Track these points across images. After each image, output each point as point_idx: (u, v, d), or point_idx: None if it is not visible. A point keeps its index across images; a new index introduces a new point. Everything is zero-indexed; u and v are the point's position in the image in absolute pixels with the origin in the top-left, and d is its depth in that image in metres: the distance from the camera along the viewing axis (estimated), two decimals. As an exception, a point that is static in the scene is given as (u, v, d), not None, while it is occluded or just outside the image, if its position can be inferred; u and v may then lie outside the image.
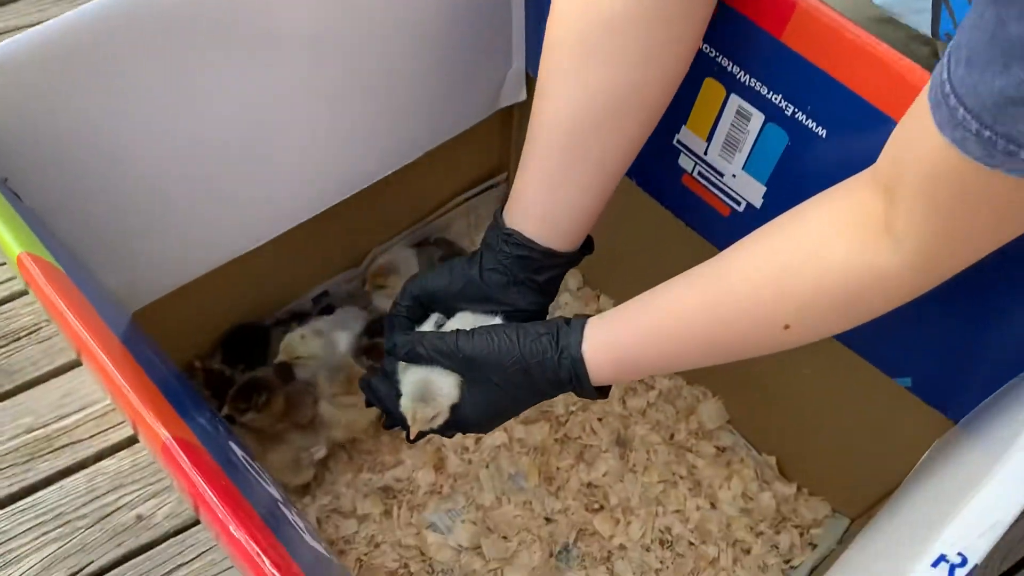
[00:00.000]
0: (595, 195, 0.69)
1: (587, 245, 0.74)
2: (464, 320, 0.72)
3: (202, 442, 0.49)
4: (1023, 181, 0.40)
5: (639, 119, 0.65)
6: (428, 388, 0.70)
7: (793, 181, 0.71)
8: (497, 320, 0.71)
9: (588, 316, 0.66)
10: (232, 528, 0.42)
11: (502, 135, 1.04)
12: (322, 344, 0.95)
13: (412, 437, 0.73)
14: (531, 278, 0.70)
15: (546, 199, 0.68)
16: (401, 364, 0.72)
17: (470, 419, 0.71)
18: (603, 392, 0.67)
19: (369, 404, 0.78)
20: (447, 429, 0.73)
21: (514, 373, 0.66)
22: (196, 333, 0.94)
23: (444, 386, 0.70)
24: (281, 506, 0.58)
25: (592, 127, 0.64)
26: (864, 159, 0.64)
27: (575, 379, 0.64)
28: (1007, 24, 0.35)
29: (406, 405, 0.71)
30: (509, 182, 1.13)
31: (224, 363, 0.96)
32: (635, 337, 0.63)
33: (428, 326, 0.74)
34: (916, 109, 0.46)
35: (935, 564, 0.43)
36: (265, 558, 0.41)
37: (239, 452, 0.60)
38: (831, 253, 0.52)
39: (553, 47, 0.64)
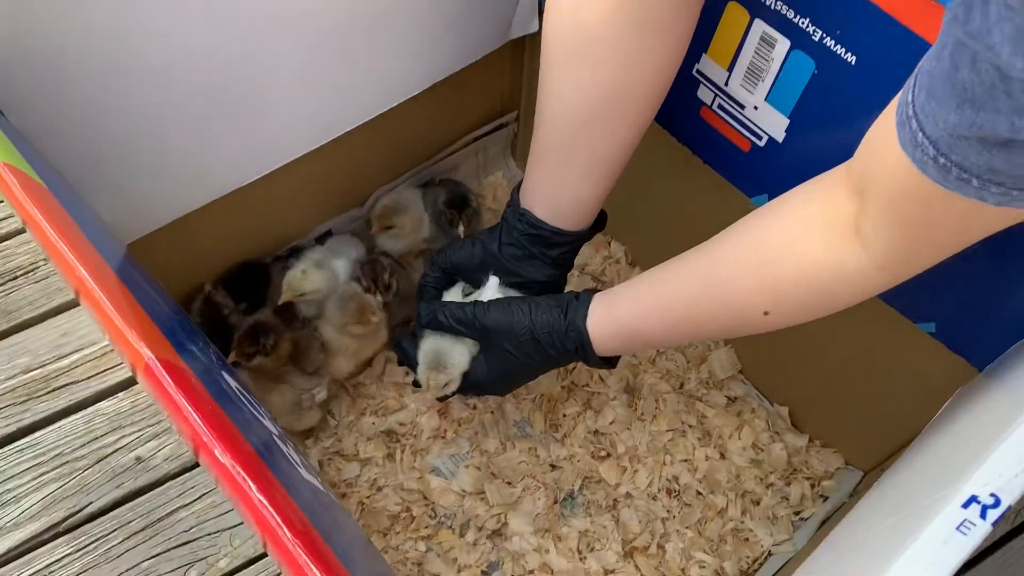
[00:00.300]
0: (594, 183, 0.72)
1: (598, 223, 0.78)
2: (487, 291, 0.77)
3: (191, 367, 0.47)
4: (979, 203, 0.42)
5: (628, 119, 0.68)
6: (441, 357, 0.78)
7: (819, 113, 0.67)
8: (516, 293, 0.77)
9: (596, 291, 0.71)
10: (218, 452, 0.39)
11: (513, 69, 1.00)
12: (324, 277, 0.93)
13: (437, 397, 0.81)
14: (544, 253, 0.76)
15: (549, 185, 0.73)
16: (425, 332, 0.79)
17: (487, 383, 0.79)
18: (609, 362, 0.73)
19: (400, 363, 0.86)
20: (467, 391, 0.80)
21: (526, 342, 0.72)
22: (195, 269, 0.91)
23: (456, 355, 0.78)
24: (277, 439, 0.56)
25: (582, 124, 0.68)
26: (896, 89, 0.61)
27: (581, 349, 0.70)
28: (960, 69, 0.37)
29: (421, 372, 0.79)
30: (520, 121, 1.09)
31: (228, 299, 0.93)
32: (634, 315, 0.68)
33: (455, 294, 0.80)
34: (889, 116, 0.47)
35: (966, 505, 0.41)
36: (252, 484, 0.39)
37: (233, 383, 0.57)
38: (805, 249, 0.55)
39: (546, 44, 0.67)
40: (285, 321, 0.92)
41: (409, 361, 0.82)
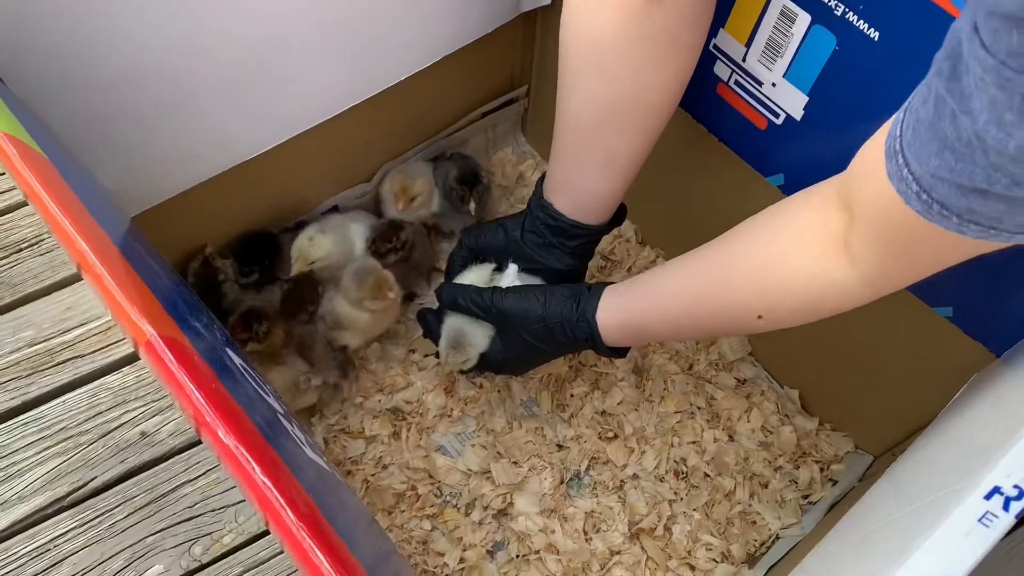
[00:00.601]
0: (610, 181, 0.75)
1: (617, 217, 0.80)
2: (506, 278, 0.82)
3: (195, 344, 0.46)
4: (961, 236, 0.43)
5: (640, 124, 0.70)
6: (461, 337, 0.82)
7: (839, 91, 0.66)
8: (537, 280, 0.81)
9: (608, 283, 0.74)
10: (220, 432, 0.38)
11: (525, 43, 0.98)
12: (333, 240, 0.92)
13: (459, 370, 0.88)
14: (563, 243, 0.80)
15: (567, 181, 0.76)
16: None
17: (503, 364, 0.84)
18: (619, 352, 0.76)
19: (424, 335, 0.90)
20: (484, 369, 0.86)
21: (539, 330, 0.76)
22: (200, 243, 0.90)
23: (476, 336, 0.82)
24: (282, 418, 0.55)
25: (595, 127, 0.71)
26: (920, 67, 0.59)
27: (591, 339, 0.74)
28: (942, 119, 0.38)
29: (441, 349, 0.83)
30: (530, 96, 1.07)
31: (237, 267, 0.92)
32: (639, 311, 0.71)
33: (481, 273, 0.84)
34: (879, 139, 0.48)
35: (988, 496, 0.39)
36: (255, 465, 0.38)
37: (237, 360, 0.57)
38: (796, 259, 0.57)
39: (562, 49, 0.69)
40: (290, 313, 0.91)
41: (432, 335, 0.86)
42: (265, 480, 0.38)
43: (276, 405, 0.58)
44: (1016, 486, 0.39)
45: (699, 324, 0.70)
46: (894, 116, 0.45)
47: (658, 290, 0.69)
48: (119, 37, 0.64)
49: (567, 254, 0.81)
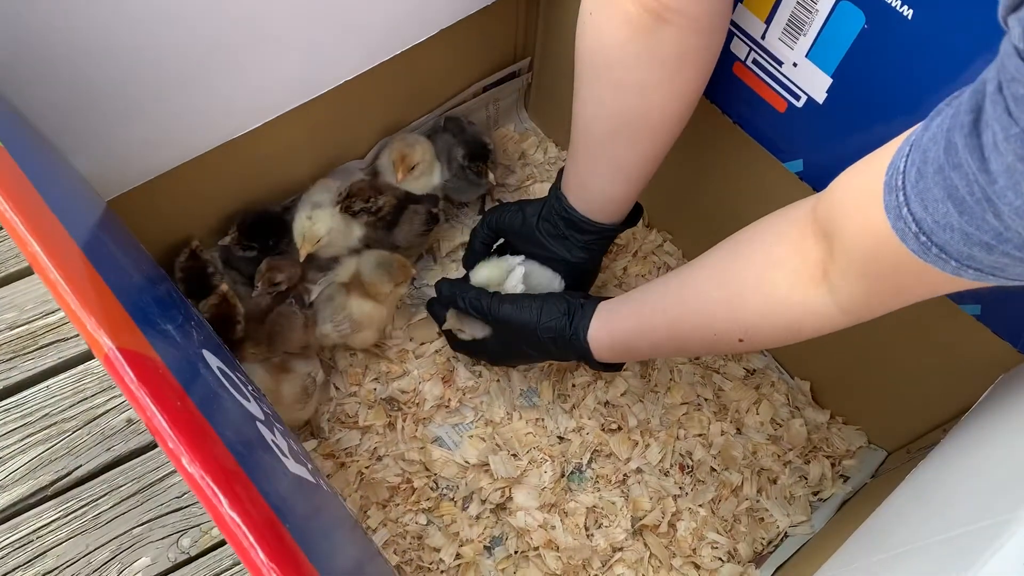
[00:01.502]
0: (619, 185, 0.76)
1: (631, 218, 0.81)
2: (511, 280, 0.83)
3: (162, 353, 0.42)
4: (956, 278, 0.42)
5: (648, 136, 0.71)
6: (464, 321, 0.84)
7: (865, 73, 0.61)
8: (548, 271, 0.83)
9: (602, 299, 0.75)
10: (185, 461, 0.34)
11: (528, 14, 0.93)
12: (331, 213, 0.89)
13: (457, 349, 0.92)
14: (575, 236, 0.81)
15: (579, 181, 0.78)
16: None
17: (499, 357, 0.87)
18: (613, 367, 0.78)
19: (433, 317, 0.91)
20: (479, 357, 0.90)
21: (532, 341, 0.78)
22: (184, 226, 0.86)
23: (476, 327, 0.83)
24: (260, 425, 0.51)
25: (605, 136, 0.72)
26: (957, 51, 0.54)
27: (583, 356, 0.75)
28: (953, 169, 0.37)
29: (449, 316, 0.85)
30: (533, 70, 1.02)
31: (238, 237, 0.88)
32: (625, 331, 0.72)
33: (497, 267, 0.84)
34: (867, 170, 0.46)
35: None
36: (223, 497, 0.34)
37: (215, 362, 0.53)
38: (773, 288, 0.57)
39: (577, 57, 0.69)
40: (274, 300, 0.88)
41: (439, 320, 0.88)
42: (233, 515, 0.34)
43: (257, 411, 0.54)
44: (1067, 526, 0.35)
45: (683, 346, 0.74)
46: (895, 152, 0.43)
47: (643, 312, 0.70)
48: (94, 16, 0.60)
49: (578, 247, 0.82)
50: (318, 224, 0.88)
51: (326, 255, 0.91)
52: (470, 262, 0.89)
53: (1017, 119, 0.32)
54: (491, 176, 0.96)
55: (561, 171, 0.80)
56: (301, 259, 0.88)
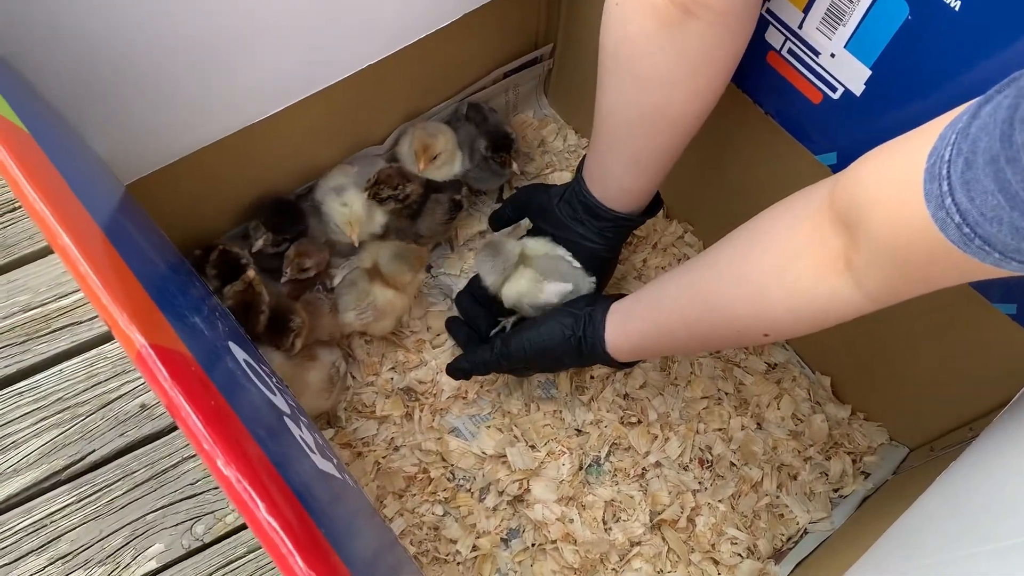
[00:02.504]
0: (636, 177, 0.76)
1: (650, 210, 0.82)
2: (537, 245, 0.84)
3: (192, 347, 0.40)
4: (996, 268, 0.41)
5: (668, 130, 0.70)
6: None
7: (907, 66, 0.59)
8: (562, 251, 0.83)
9: (612, 300, 0.75)
10: (220, 464, 0.33)
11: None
12: (358, 195, 0.89)
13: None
14: (591, 221, 0.81)
15: (598, 170, 0.78)
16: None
17: (520, 375, 0.90)
18: (630, 364, 0.80)
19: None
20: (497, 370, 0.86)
21: (551, 363, 0.81)
22: (204, 211, 0.85)
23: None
24: (287, 420, 0.50)
25: (625, 128, 0.72)
26: (1002, 44, 0.52)
27: (606, 362, 0.77)
28: (1009, 163, 0.36)
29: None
30: (555, 56, 1.01)
31: (272, 238, 0.87)
32: (646, 336, 0.72)
33: (525, 283, 0.84)
34: (902, 157, 0.45)
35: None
36: (260, 502, 0.33)
37: (241, 355, 0.51)
38: (796, 281, 0.55)
39: (601, 47, 0.69)
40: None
41: (457, 339, 0.92)
42: (270, 520, 0.33)
43: (283, 404, 0.53)
44: None
45: (706, 343, 0.75)
46: (937, 137, 0.41)
47: (660, 313, 0.70)
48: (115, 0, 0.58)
49: (595, 233, 0.82)
50: (355, 206, 0.89)
51: (347, 241, 0.90)
52: (497, 224, 0.93)
53: None
54: (515, 165, 0.95)
55: (585, 157, 0.80)
56: (355, 244, 0.89)
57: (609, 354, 0.75)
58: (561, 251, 0.83)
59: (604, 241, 0.82)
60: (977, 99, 0.40)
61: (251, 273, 0.78)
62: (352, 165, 0.93)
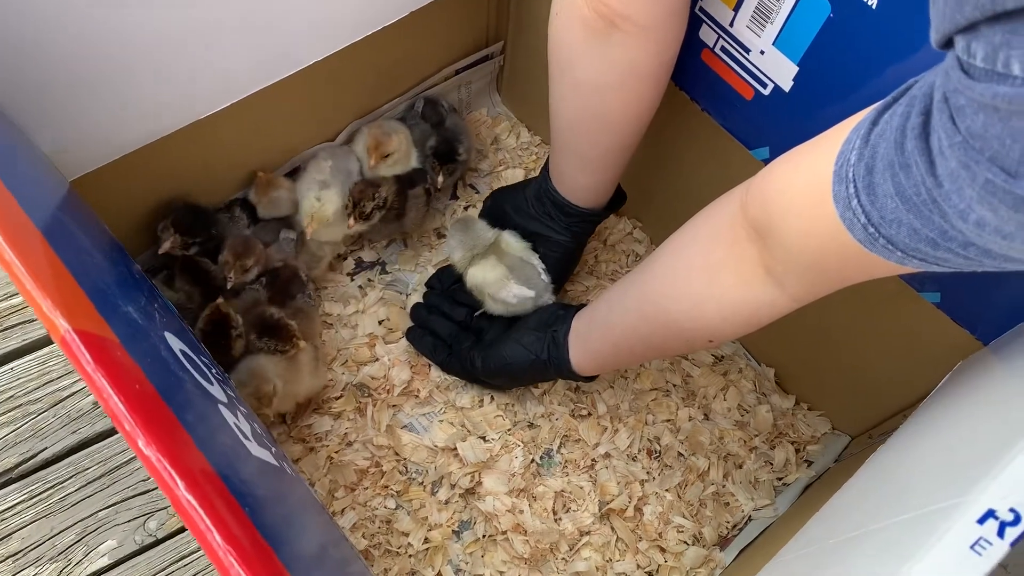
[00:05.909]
0: (587, 176, 0.80)
1: (611, 205, 0.86)
2: (515, 242, 0.88)
3: (120, 334, 0.41)
4: (900, 265, 0.43)
5: (608, 132, 0.74)
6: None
7: (831, 61, 0.61)
8: (536, 260, 0.87)
9: (572, 319, 0.79)
10: (141, 444, 0.34)
11: (499, -1, 0.93)
12: (337, 192, 0.91)
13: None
14: (558, 215, 0.86)
15: (556, 169, 0.82)
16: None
17: (491, 386, 0.94)
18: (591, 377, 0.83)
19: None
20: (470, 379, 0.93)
21: (522, 380, 0.89)
22: (149, 206, 0.85)
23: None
24: (222, 408, 0.51)
25: (569, 130, 0.76)
26: (919, 40, 0.55)
27: (576, 378, 0.81)
28: (902, 168, 0.37)
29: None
30: (506, 53, 1.02)
31: (184, 243, 0.87)
32: (607, 356, 0.76)
33: (488, 272, 0.87)
34: (810, 164, 0.46)
35: (982, 520, 0.36)
36: (180, 480, 0.34)
37: (178, 345, 0.52)
38: (724, 292, 0.58)
39: (548, 53, 0.72)
40: (280, 301, 0.89)
41: (424, 353, 0.94)
42: (189, 498, 0.34)
43: (221, 393, 0.54)
44: (1012, 509, 0.36)
45: (664, 353, 0.85)
46: (844, 141, 0.43)
47: (615, 334, 0.73)
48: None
49: (564, 228, 0.86)
50: (327, 205, 0.90)
51: (324, 239, 0.92)
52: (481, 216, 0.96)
53: (959, 128, 0.32)
54: (440, 179, 0.96)
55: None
56: (308, 237, 0.90)
57: (576, 372, 0.79)
58: (536, 260, 0.87)
59: (572, 236, 0.87)
60: (877, 104, 0.42)
61: (220, 301, 0.80)
62: (325, 159, 0.94)
